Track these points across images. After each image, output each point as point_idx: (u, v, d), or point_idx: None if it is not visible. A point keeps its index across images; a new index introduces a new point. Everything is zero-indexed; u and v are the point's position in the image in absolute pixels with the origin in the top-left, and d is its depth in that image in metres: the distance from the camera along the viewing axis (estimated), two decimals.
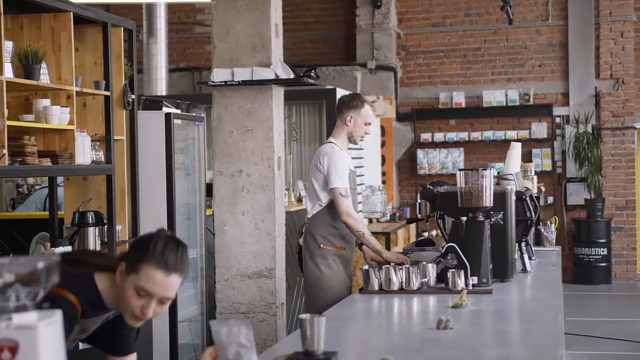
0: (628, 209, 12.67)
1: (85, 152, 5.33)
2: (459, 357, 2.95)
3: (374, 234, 8.96)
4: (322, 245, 5.23)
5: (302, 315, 2.77)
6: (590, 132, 12.44)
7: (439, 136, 12.93)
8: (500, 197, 4.56)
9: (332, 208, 5.21)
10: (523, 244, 5.13)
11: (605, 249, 12.29)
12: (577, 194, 12.65)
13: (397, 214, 10.72)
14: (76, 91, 5.28)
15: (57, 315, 1.77)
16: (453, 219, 4.57)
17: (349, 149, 5.42)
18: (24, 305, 1.75)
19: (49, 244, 5.56)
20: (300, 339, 2.78)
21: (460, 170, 4.50)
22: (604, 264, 12.30)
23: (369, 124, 5.32)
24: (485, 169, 4.45)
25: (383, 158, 12.40)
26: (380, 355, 2.67)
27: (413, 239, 10.14)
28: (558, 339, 3.07)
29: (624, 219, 12.66)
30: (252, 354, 2.46)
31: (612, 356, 8.05)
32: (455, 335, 3.22)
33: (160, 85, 10.82)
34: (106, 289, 2.72)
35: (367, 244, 5.21)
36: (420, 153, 12.98)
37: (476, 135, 12.83)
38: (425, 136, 12.99)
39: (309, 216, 5.34)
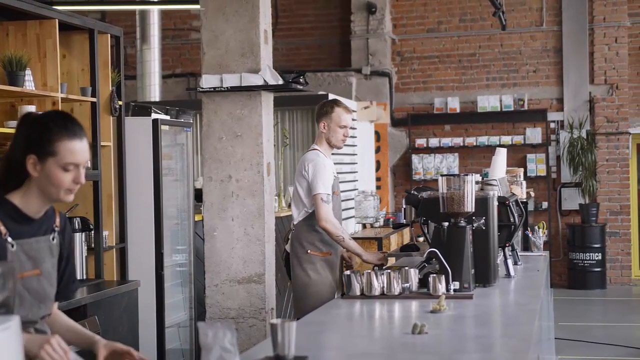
0: (622, 214, 12.68)
1: None
2: None
3: (366, 239, 9.05)
4: (309, 251, 5.29)
5: (273, 320, 2.80)
6: (585, 137, 12.45)
7: (433, 141, 12.95)
8: (482, 203, 4.58)
9: None
10: (507, 249, 5.14)
11: (600, 254, 12.30)
12: (571, 199, 12.66)
13: (391, 219, 10.74)
14: (62, 97, 5.30)
15: (13, 321, 1.80)
16: (435, 224, 4.58)
17: (333, 154, 5.47)
18: None
19: None
20: (271, 344, 2.80)
21: (442, 175, 4.51)
22: (598, 269, 12.31)
23: (344, 126, 5.36)
24: (467, 175, 4.47)
25: (378, 163, 12.42)
26: None
27: None
28: (529, 343, 3.08)
29: (618, 224, 12.67)
30: (234, 358, 2.50)
31: None
32: (430, 340, 3.23)
33: (154, 92, 10.85)
34: (22, 201, 2.78)
35: (348, 247, 5.26)
36: (415, 158, 12.99)
37: (471, 140, 12.85)
38: (420, 141, 13.01)
39: (294, 222, 5.39)
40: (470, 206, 4.43)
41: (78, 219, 5.53)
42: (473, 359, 3.02)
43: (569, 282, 12.45)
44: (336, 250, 5.38)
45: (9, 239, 2.70)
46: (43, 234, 2.84)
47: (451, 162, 12.91)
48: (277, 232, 6.04)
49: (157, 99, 10.84)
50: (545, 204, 12.62)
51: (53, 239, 2.87)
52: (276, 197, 8.35)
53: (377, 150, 12.39)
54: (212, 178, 5.58)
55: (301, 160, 5.41)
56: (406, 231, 10.89)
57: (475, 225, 4.51)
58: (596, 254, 12.27)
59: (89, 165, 2.94)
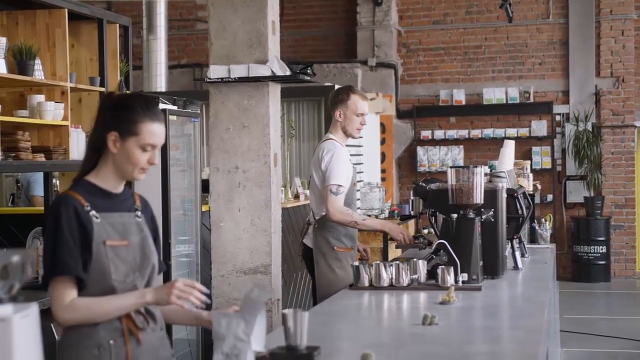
0: (627, 207, 12.68)
1: (79, 147, 5.35)
2: (441, 352, 2.97)
3: (372, 230, 9.03)
4: (335, 248, 5.21)
5: (285, 311, 2.80)
6: (590, 130, 12.44)
7: (439, 134, 12.95)
8: (491, 195, 4.58)
9: None
10: (515, 241, 5.14)
11: (605, 246, 12.30)
12: (576, 192, 12.66)
13: (396, 211, 10.73)
14: (71, 87, 5.31)
15: (32, 308, 1.80)
16: (444, 216, 4.58)
17: (347, 145, 5.43)
18: None
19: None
20: (284, 334, 2.80)
21: (451, 167, 4.51)
22: (603, 262, 12.31)
23: (361, 114, 5.24)
24: (476, 167, 4.46)
25: (383, 155, 12.42)
26: (362, 351, 2.69)
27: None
28: (540, 335, 3.09)
29: (623, 217, 12.67)
30: (248, 347, 2.50)
31: (607, 354, 8.06)
32: (440, 331, 3.24)
33: (160, 82, 10.83)
34: (98, 179, 2.87)
35: (366, 228, 5.20)
36: (420, 150, 13.00)
37: (476, 132, 12.85)
38: (426, 133, 13.01)
39: (316, 217, 5.28)
40: (479, 198, 4.43)
41: None
42: (483, 350, 3.03)
43: (573, 275, 12.46)
44: (356, 244, 5.36)
45: (93, 212, 2.79)
46: (127, 211, 2.92)
47: (456, 155, 12.91)
48: (284, 223, 6.04)
49: (163, 89, 10.82)
50: (550, 197, 12.62)
51: (137, 216, 2.94)
52: (283, 188, 8.35)
53: (382, 142, 12.39)
54: (219, 169, 5.58)
55: (317, 151, 5.30)
56: (411, 223, 10.90)
57: (484, 217, 4.52)
58: (601, 246, 12.27)
59: None
